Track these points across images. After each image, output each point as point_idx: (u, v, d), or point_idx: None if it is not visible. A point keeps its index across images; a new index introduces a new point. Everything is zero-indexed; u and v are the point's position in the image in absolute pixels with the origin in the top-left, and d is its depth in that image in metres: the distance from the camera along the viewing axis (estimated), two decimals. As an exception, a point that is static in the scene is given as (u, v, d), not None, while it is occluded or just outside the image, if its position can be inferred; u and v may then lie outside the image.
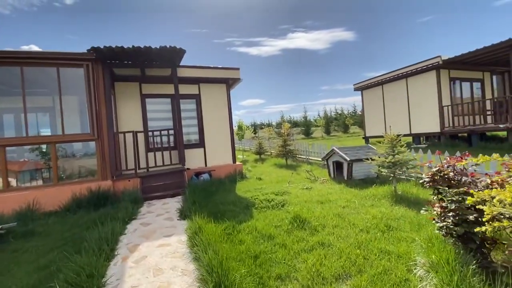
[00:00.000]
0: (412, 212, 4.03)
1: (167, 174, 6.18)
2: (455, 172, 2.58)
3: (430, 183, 2.68)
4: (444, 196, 2.48)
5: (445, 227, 2.41)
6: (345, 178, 6.47)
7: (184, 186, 5.97)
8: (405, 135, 13.14)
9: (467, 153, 2.71)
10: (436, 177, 2.65)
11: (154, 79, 7.44)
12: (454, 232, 2.32)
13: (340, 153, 6.49)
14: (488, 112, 11.21)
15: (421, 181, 3.03)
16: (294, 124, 34.57)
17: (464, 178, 2.59)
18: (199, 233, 3.37)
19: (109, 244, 3.27)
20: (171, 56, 6.20)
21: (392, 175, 5.10)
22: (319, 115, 39.63)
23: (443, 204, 2.43)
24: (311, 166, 8.90)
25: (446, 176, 2.59)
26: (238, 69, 8.01)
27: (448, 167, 2.66)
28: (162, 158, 6.37)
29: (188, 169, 7.36)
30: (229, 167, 7.82)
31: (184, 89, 7.70)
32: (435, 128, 11.18)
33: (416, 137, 12.26)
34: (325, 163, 7.52)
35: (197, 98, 7.85)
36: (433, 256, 2.36)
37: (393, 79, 13.01)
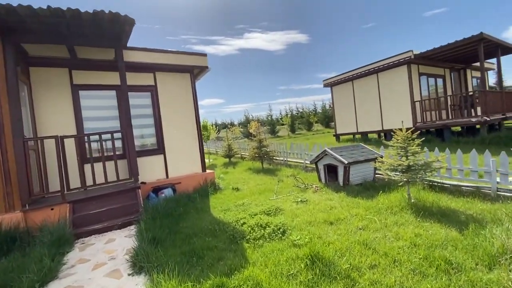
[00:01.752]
0: (453, 231, 3.09)
1: (112, 195, 4.42)
2: None
3: None
4: None
5: None
6: (341, 184, 5.47)
7: (138, 210, 4.30)
8: (377, 132, 13.01)
9: None
10: None
11: (92, 64, 5.51)
12: None
13: (335, 155, 5.47)
14: (455, 107, 11.48)
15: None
16: (262, 124, 33.68)
17: None
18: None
19: None
20: (113, 30, 4.45)
21: (405, 180, 4.19)
22: (280, 113, 39.42)
23: None
24: (292, 170, 7.81)
25: None
26: (205, 55, 6.48)
27: None
28: (104, 172, 4.57)
29: (143, 183, 5.63)
30: (198, 177, 6.27)
31: (135, 78, 5.92)
32: (407, 124, 11.03)
33: (388, 134, 12.10)
34: (314, 166, 6.47)
35: (153, 90, 6.12)
36: None
37: (363, 75, 12.71)
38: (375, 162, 5.82)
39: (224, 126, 39.45)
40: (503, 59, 11.16)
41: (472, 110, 11.18)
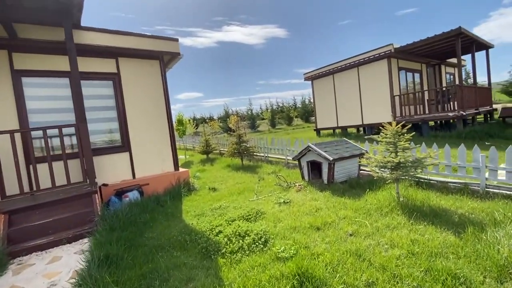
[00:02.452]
0: (450, 235, 2.80)
1: (61, 202, 3.69)
2: None
3: None
4: None
5: None
6: (326, 182, 5.13)
7: (94, 219, 3.63)
8: (357, 126, 12.98)
9: None
10: None
11: (38, 46, 4.65)
12: None
13: (319, 151, 5.09)
14: (432, 102, 11.66)
15: None
16: (242, 118, 32.95)
17: None
18: None
19: None
20: (58, 1, 3.66)
21: (394, 178, 3.89)
22: (261, 108, 39.02)
23: None
24: (274, 167, 7.39)
25: None
26: (176, 40, 5.78)
27: None
28: (51, 175, 3.82)
29: (105, 185, 4.92)
30: (169, 177, 5.64)
31: (93, 64, 5.12)
32: (387, 118, 11.02)
33: (368, 128, 12.10)
34: (296, 162, 6.09)
35: (115, 79, 5.34)
36: None
37: (344, 68, 12.55)
38: (360, 158, 5.56)
39: (203, 120, 38.30)
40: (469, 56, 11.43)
41: (446, 105, 11.43)
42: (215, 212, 4.13)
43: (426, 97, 12.19)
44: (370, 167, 4.20)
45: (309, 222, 3.43)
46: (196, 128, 30.93)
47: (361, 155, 5.46)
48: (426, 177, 4.62)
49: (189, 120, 14.00)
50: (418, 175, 4.38)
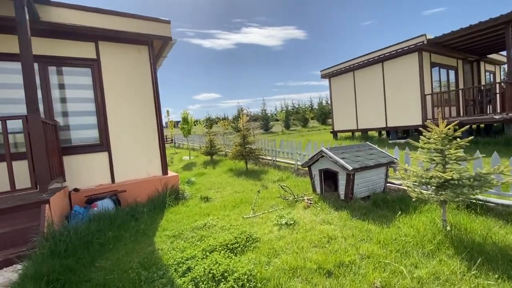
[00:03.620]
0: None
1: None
2: None
3: None
4: None
5: None
6: (342, 197, 4.06)
7: (32, 239, 2.80)
8: (380, 129, 11.64)
9: None
10: None
11: None
12: None
13: (335, 157, 4.03)
14: (471, 103, 10.14)
15: None
16: (252, 118, 32.09)
17: None
18: None
19: None
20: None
21: (442, 199, 2.77)
22: (276, 109, 37.92)
23: None
24: (281, 173, 6.37)
25: None
26: (168, 22, 4.94)
27: None
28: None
29: (76, 191, 4.15)
30: (155, 183, 4.79)
31: (68, 48, 4.38)
32: (416, 120, 9.66)
33: (393, 131, 10.73)
34: (307, 171, 5.05)
35: (94, 66, 4.57)
36: None
37: (366, 64, 11.26)
38: (387, 168, 4.44)
39: (216, 121, 37.82)
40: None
41: (488, 106, 9.86)
42: (195, 234, 3.20)
43: (465, 96, 10.64)
44: (406, 183, 3.11)
45: (317, 260, 2.42)
46: (211, 128, 30.41)
47: (389, 164, 4.35)
48: (481, 197, 3.43)
49: (196, 120, 13.10)
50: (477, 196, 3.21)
